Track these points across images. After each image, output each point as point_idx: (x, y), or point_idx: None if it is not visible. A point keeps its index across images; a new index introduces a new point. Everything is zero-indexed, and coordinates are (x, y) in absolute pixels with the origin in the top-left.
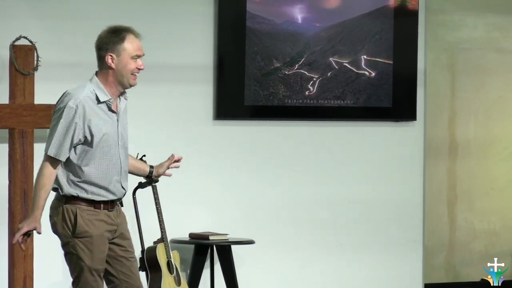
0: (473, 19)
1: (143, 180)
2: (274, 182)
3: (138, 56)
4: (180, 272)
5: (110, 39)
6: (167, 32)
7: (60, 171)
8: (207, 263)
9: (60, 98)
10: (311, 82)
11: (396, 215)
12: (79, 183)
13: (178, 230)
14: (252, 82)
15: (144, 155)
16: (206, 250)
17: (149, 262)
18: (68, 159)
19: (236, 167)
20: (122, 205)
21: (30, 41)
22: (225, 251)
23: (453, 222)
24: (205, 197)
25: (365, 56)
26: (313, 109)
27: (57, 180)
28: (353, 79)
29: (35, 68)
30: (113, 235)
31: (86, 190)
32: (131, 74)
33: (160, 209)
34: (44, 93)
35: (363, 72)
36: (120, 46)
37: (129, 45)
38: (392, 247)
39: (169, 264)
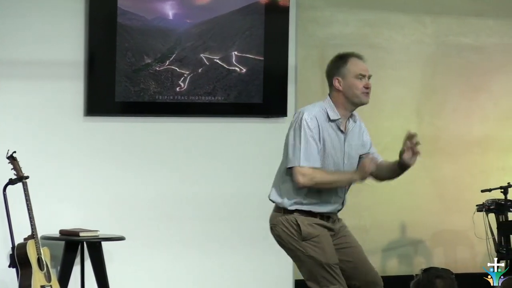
0: (344, 15)
1: (13, 176)
2: (145, 179)
3: (363, 76)
4: (50, 269)
5: (336, 64)
6: (38, 27)
7: (287, 184)
8: (78, 260)
9: (296, 115)
10: (182, 78)
11: (266, 211)
12: (299, 197)
13: (49, 227)
14: (123, 78)
15: (15, 152)
16: (76, 246)
17: (20, 258)
18: None
19: (107, 163)
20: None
21: None
22: (95, 247)
23: None
24: (76, 194)
25: (236, 53)
26: (184, 105)
27: (286, 193)
28: (224, 75)
29: None
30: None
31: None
32: (361, 93)
33: (31, 206)
34: None
35: (234, 68)
36: (344, 68)
37: (353, 66)
38: (262, 243)
39: (39, 261)
